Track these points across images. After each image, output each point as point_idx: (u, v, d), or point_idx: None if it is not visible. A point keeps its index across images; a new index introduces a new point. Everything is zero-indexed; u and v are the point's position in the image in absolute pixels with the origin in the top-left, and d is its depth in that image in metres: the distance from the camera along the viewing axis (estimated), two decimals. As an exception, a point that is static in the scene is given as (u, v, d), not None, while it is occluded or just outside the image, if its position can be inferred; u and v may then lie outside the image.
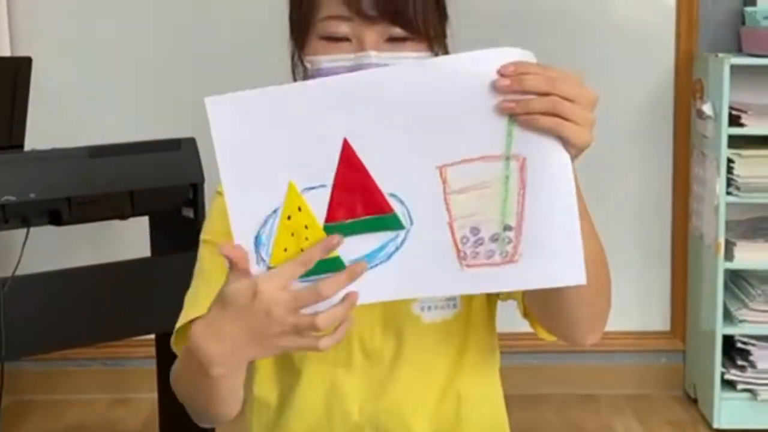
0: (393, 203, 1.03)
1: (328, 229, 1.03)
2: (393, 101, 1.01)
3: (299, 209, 1.03)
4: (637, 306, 3.24)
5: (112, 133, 2.70)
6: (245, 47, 3.06)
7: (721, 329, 2.91)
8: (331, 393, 1.26)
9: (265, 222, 1.03)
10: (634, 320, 3.24)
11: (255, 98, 1.02)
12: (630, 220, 3.21)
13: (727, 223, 2.89)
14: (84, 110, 3.13)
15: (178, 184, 2.37)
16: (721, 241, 2.88)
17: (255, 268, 1.02)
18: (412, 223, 1.03)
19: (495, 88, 0.99)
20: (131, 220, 2.37)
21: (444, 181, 1.03)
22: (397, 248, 1.04)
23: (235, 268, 1.01)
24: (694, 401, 3.14)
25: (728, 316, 2.94)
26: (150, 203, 2.36)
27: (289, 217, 1.03)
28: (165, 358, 2.47)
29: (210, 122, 1.01)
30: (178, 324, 1.20)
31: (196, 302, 1.18)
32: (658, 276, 3.25)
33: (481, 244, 1.03)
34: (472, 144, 1.02)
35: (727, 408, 2.93)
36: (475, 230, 1.03)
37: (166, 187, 2.36)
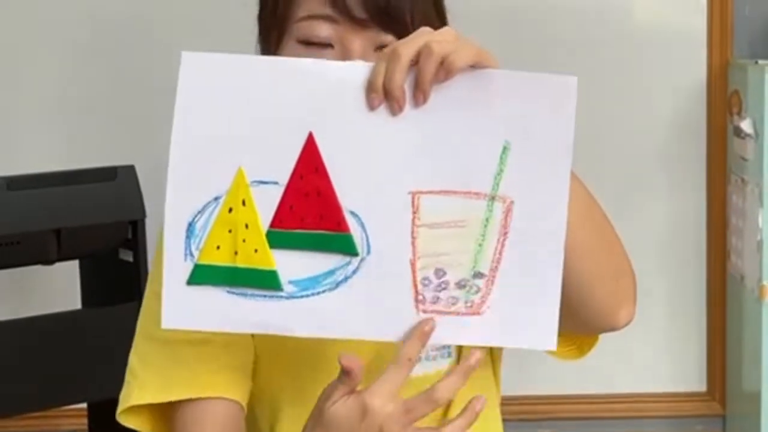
0: (351, 223, 1.05)
1: (272, 236, 1.06)
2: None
3: (243, 203, 1.06)
4: (668, 363, 3.23)
5: (33, 161, 2.69)
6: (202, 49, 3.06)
7: (768, 389, 2.91)
8: None
9: (203, 209, 1.06)
10: (664, 380, 3.23)
11: (231, 62, 1.06)
12: (657, 261, 3.21)
13: (773, 262, 2.91)
14: None
15: (114, 221, 2.36)
16: (766, 284, 2.88)
17: (181, 264, 1.06)
18: (369, 252, 1.06)
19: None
20: (58, 265, 2.36)
21: (415, 210, 1.05)
22: (347, 278, 1.06)
23: (348, 382, 1.04)
24: (737, 476, 3.13)
25: (776, 374, 2.95)
26: (80, 244, 2.35)
27: (230, 210, 1.06)
28: (98, 430, 2.45)
29: (179, 79, 1.06)
30: (133, 401, 1.21)
31: (164, 379, 1.20)
32: (691, 327, 3.24)
33: (444, 288, 1.06)
34: (457, 174, 1.04)
35: (776, 484, 2.93)
36: (440, 272, 1.06)
37: (99, 224, 2.35)
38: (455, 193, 1.05)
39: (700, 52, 3.17)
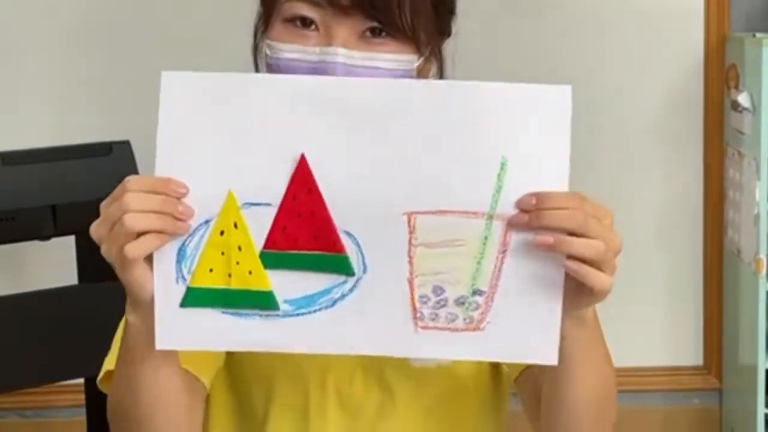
0: (347, 243, 1.05)
1: (266, 257, 1.05)
2: (369, 121, 1.03)
3: (235, 226, 1.05)
4: (664, 337, 3.24)
5: (28, 136, 2.68)
6: (197, 26, 3.06)
7: (764, 363, 2.91)
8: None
9: (194, 232, 1.05)
10: (661, 354, 3.24)
11: (216, 82, 1.04)
12: (654, 234, 3.22)
13: (770, 235, 2.91)
14: (-5, 109, 3.12)
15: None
16: (763, 257, 2.89)
17: (173, 287, 1.04)
18: (365, 271, 1.05)
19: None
20: (54, 240, 2.36)
21: (411, 231, 1.04)
22: (344, 296, 1.06)
23: None
24: (733, 450, 3.15)
25: (772, 348, 2.96)
26: (76, 220, 2.33)
27: (222, 233, 1.05)
28: (96, 406, 2.45)
29: (160, 99, 1.04)
30: (106, 367, 1.23)
31: None
32: (688, 301, 3.25)
33: (443, 305, 1.06)
34: (453, 193, 1.04)
35: (772, 457, 2.94)
36: (438, 290, 1.06)
37: (95, 200, 2.33)
38: (452, 212, 1.04)
39: (697, 26, 3.17)
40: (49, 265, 2.96)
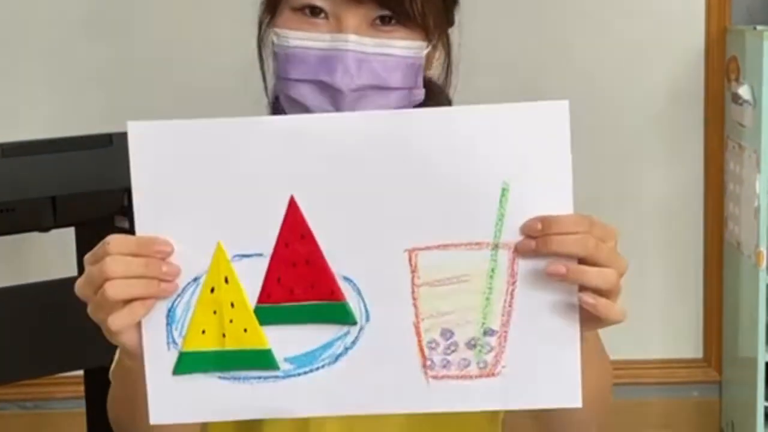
0: (346, 290, 0.99)
1: (261, 312, 0.99)
2: (359, 157, 0.98)
3: (226, 281, 0.99)
4: (664, 329, 3.24)
5: (28, 128, 2.68)
6: (199, 14, 3.06)
7: (764, 356, 2.91)
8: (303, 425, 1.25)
9: (182, 292, 0.99)
10: (660, 346, 3.24)
11: (189, 131, 0.98)
12: (654, 227, 3.22)
13: (770, 228, 2.91)
14: (-5, 100, 3.11)
15: (109, 188, 2.35)
16: (763, 250, 2.89)
17: (164, 354, 0.99)
18: (368, 319, 1.00)
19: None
20: (54, 232, 2.36)
21: (413, 269, 0.99)
22: (347, 349, 1.00)
23: None
24: (733, 442, 3.15)
25: (772, 340, 2.96)
26: (76, 212, 2.34)
27: (212, 290, 0.99)
28: (95, 398, 2.45)
29: (130, 152, 0.99)
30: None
31: None
32: (688, 293, 3.25)
33: (453, 350, 1.00)
34: (454, 225, 0.98)
35: (772, 450, 2.94)
36: (447, 333, 1.00)
37: (95, 192, 2.34)
38: (454, 246, 0.98)
39: (698, 18, 3.16)
40: (48, 256, 2.96)
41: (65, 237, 2.52)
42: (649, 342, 3.20)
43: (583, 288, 0.98)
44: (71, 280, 2.60)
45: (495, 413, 1.32)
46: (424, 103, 1.21)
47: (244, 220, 0.98)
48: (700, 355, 3.28)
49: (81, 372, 2.56)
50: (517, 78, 3.08)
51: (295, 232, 0.98)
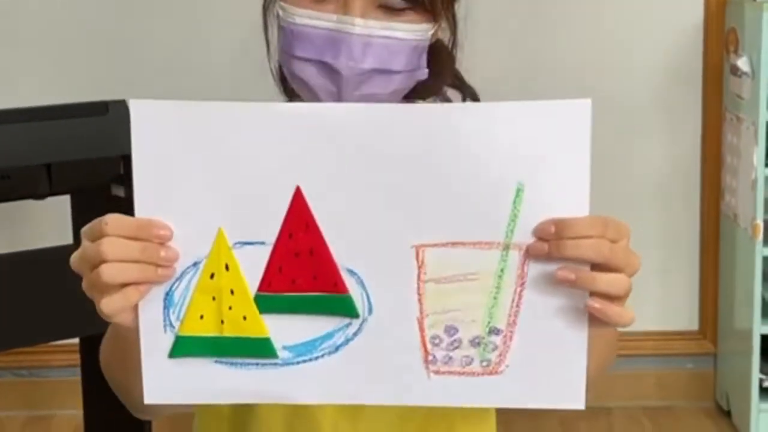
0: (349, 282, 0.97)
1: (261, 301, 0.98)
2: (369, 149, 0.95)
3: (227, 267, 0.98)
4: (660, 301, 3.25)
5: (24, 95, 2.67)
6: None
7: (760, 328, 2.92)
8: (294, 416, 1.25)
9: (181, 276, 0.97)
10: (656, 318, 3.25)
11: (194, 112, 0.96)
12: (651, 199, 3.22)
13: (767, 201, 2.91)
14: (-10, 67, 3.10)
15: (105, 155, 2.35)
16: (760, 222, 2.89)
17: (161, 336, 0.98)
18: (371, 312, 0.98)
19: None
20: (49, 200, 2.35)
21: (420, 265, 0.97)
22: (348, 340, 0.99)
23: None
24: (727, 413, 3.16)
25: (768, 313, 2.97)
26: (72, 179, 2.34)
27: (212, 276, 0.98)
28: (91, 366, 2.46)
29: (132, 132, 0.96)
30: None
31: None
32: (684, 265, 3.26)
33: (456, 347, 0.99)
34: (465, 223, 0.96)
35: (766, 421, 2.95)
36: (451, 330, 0.99)
37: (91, 159, 2.34)
38: (464, 244, 0.96)
39: (696, -12, 3.16)
40: (44, 224, 2.96)
41: (61, 205, 2.52)
42: (644, 314, 3.21)
43: (593, 293, 0.96)
44: (67, 249, 2.60)
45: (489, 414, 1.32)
46: (430, 70, 1.20)
47: (248, 207, 0.97)
48: (695, 327, 3.29)
49: (76, 340, 2.57)
50: (515, 50, 3.07)
51: (299, 222, 0.96)
